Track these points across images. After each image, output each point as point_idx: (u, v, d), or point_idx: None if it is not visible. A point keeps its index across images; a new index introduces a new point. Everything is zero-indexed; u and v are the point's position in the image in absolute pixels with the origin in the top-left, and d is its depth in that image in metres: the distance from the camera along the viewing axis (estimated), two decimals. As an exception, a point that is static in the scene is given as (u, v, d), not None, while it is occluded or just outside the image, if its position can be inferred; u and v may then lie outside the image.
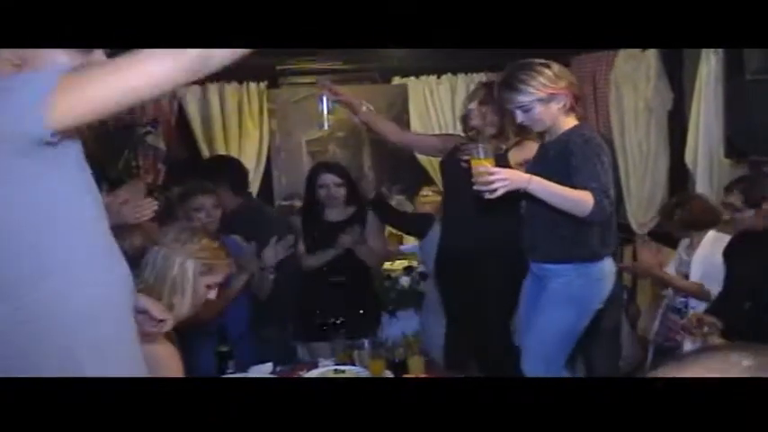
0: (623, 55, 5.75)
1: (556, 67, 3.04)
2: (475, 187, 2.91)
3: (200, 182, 3.87)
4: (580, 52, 5.95)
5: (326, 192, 4.20)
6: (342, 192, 4.20)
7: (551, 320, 3.11)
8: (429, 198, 5.13)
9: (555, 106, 3.02)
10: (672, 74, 5.66)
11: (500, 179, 2.83)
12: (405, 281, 5.00)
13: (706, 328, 3.32)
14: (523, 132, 3.52)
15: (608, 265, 3.14)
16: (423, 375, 3.16)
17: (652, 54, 5.56)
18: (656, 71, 5.63)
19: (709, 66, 4.94)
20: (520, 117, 3.06)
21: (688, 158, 5.20)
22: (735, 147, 4.78)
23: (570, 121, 3.07)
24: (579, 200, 2.86)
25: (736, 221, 3.56)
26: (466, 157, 3.21)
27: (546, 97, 2.99)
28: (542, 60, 3.04)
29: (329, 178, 4.22)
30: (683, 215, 4.08)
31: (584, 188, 2.87)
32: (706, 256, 3.94)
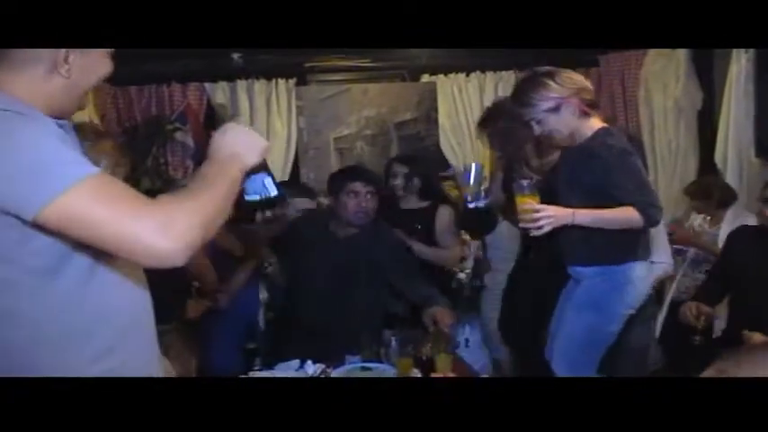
0: (652, 54, 5.71)
1: (561, 74, 2.91)
2: (520, 224, 2.89)
3: None
4: (607, 51, 5.93)
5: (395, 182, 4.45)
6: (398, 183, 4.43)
7: (574, 323, 3.03)
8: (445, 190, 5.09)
9: (567, 113, 2.90)
10: (701, 73, 5.62)
11: (545, 216, 2.81)
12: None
13: (703, 318, 3.55)
14: (549, 145, 3.36)
15: (638, 270, 3.02)
16: (450, 373, 3.15)
17: (681, 53, 5.52)
18: (686, 70, 5.59)
19: (740, 65, 4.90)
20: (537, 130, 2.97)
21: (717, 158, 5.16)
22: (765, 146, 4.75)
23: (593, 125, 2.95)
24: (626, 218, 2.82)
25: None
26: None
27: (554, 106, 2.89)
28: (546, 69, 2.94)
29: (398, 169, 4.48)
30: (722, 195, 4.64)
31: (625, 203, 2.81)
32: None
